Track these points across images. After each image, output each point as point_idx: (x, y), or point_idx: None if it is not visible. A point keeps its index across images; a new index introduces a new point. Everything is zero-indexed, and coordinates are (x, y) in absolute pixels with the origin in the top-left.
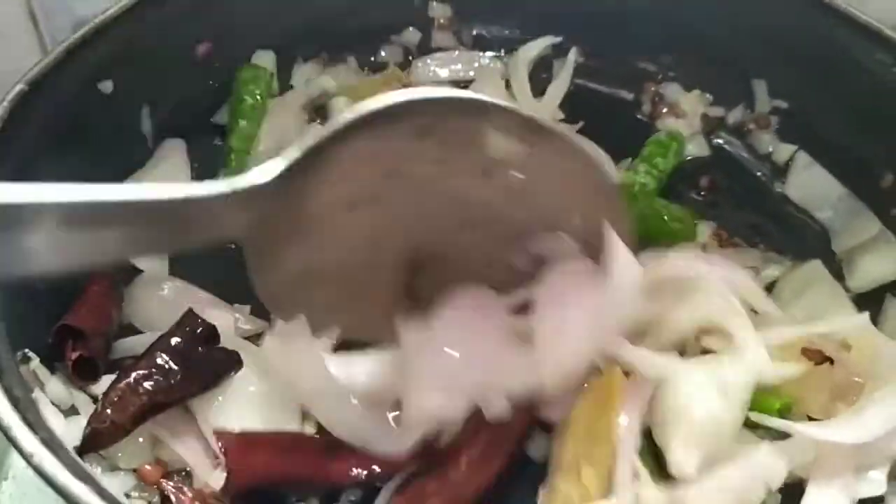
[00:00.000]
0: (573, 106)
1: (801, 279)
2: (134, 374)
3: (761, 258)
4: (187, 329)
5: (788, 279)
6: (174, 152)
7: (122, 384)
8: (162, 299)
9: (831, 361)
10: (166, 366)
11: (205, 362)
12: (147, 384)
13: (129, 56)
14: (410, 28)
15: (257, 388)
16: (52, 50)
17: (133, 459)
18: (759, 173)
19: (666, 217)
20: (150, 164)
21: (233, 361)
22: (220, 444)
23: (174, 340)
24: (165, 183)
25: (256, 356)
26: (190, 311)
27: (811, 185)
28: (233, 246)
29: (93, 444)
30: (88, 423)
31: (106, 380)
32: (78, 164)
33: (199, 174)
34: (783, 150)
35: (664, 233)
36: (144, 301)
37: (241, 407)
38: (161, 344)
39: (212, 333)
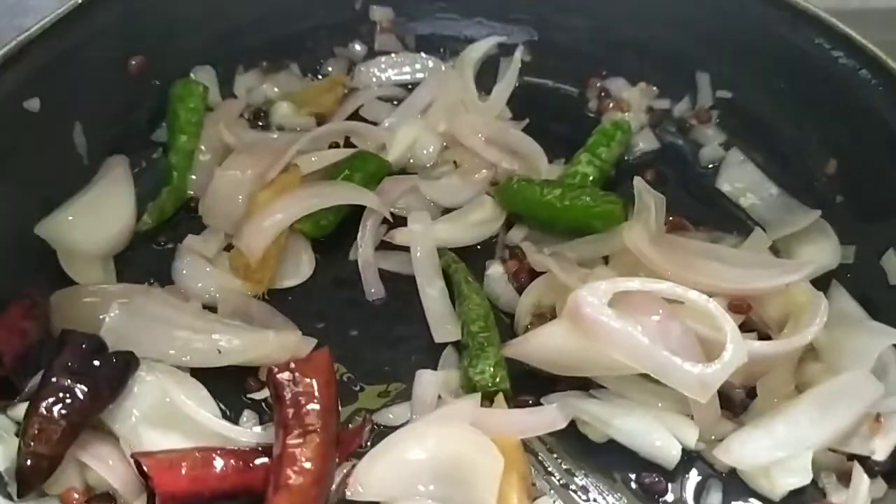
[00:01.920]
0: (520, 104)
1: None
2: (44, 404)
3: (709, 238)
4: (73, 347)
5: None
6: (117, 169)
7: (36, 417)
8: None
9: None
10: (71, 386)
11: (105, 370)
12: (59, 409)
13: (55, 72)
14: (356, 42)
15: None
16: None
17: (59, 485)
18: (701, 166)
19: (599, 206)
20: (94, 180)
21: (131, 360)
22: (143, 466)
23: (67, 362)
24: None
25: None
26: (66, 331)
27: (742, 179)
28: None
29: (30, 483)
30: (18, 465)
31: (24, 406)
32: (7, 187)
33: (144, 191)
34: (721, 145)
35: (590, 220)
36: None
37: (158, 418)
38: (56, 369)
39: (98, 344)
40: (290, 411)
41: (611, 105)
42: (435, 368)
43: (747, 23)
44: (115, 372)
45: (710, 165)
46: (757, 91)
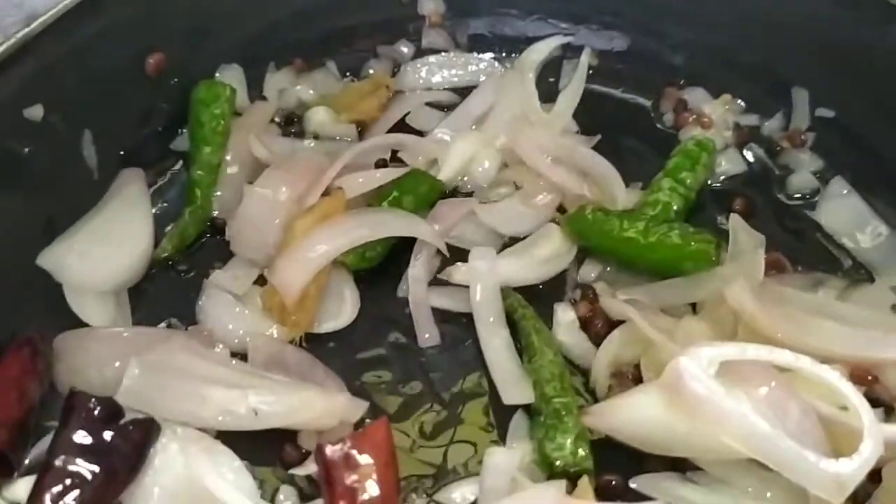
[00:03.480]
0: (585, 115)
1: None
2: (48, 496)
3: (811, 280)
4: (83, 415)
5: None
6: (132, 185)
7: None
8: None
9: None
10: (80, 470)
11: (121, 444)
12: (68, 500)
13: (61, 74)
14: (402, 40)
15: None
16: None
17: None
18: (790, 196)
19: (691, 246)
20: (106, 199)
21: (151, 429)
22: None
23: (76, 436)
24: None
25: None
26: (73, 392)
27: (845, 215)
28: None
29: None
30: None
31: (24, 484)
32: (5, 208)
33: (162, 210)
34: (815, 173)
35: (680, 261)
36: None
37: (184, 498)
38: (62, 445)
39: (113, 409)
40: (344, 503)
41: (689, 119)
42: (502, 433)
43: (855, 31)
44: (133, 445)
45: (799, 195)
46: (865, 111)
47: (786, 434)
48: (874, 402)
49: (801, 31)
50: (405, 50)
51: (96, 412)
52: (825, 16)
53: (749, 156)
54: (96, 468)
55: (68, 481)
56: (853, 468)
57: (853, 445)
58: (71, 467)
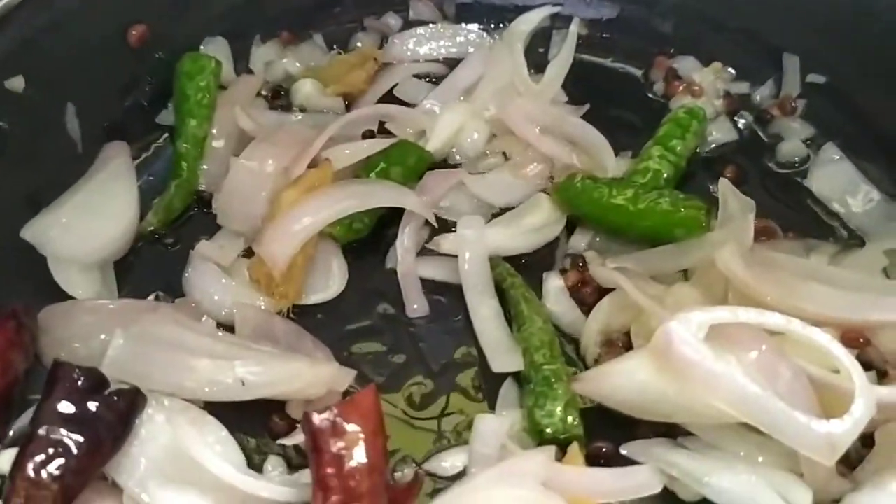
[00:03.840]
0: (575, 85)
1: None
2: (31, 464)
3: (803, 246)
4: (67, 385)
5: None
6: (117, 158)
7: (22, 481)
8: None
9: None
10: (64, 440)
11: (105, 414)
12: (50, 469)
13: (43, 45)
14: (389, 12)
15: (169, 437)
16: None
17: None
18: (780, 163)
19: (681, 212)
20: (90, 172)
21: (136, 399)
22: None
23: (60, 405)
24: None
25: None
26: (57, 362)
27: (836, 181)
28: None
29: None
30: None
31: (8, 455)
32: None
33: (147, 184)
34: (805, 141)
35: (670, 228)
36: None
37: (171, 469)
38: (46, 415)
39: (98, 379)
40: (332, 470)
41: (680, 88)
42: (492, 402)
43: None
44: (118, 415)
45: (790, 163)
46: (856, 76)
47: (777, 397)
48: (866, 364)
49: None
50: (392, 22)
51: (80, 382)
52: None
53: (740, 124)
54: (80, 438)
55: (52, 450)
56: (845, 428)
57: (845, 408)
58: (54, 436)
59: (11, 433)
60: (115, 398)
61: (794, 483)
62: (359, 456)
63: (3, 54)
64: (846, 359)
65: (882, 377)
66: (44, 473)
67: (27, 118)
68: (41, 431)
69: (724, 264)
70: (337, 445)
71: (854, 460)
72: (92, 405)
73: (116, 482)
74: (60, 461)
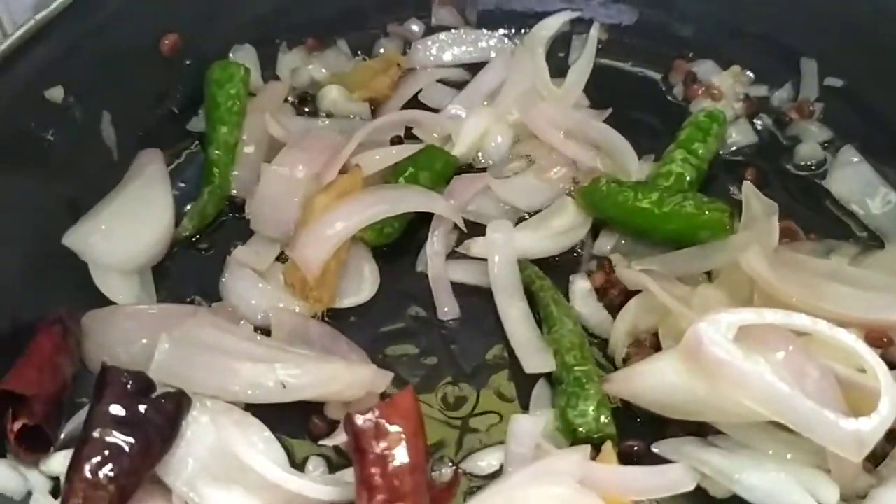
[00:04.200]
0: (596, 89)
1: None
2: (87, 466)
3: (824, 247)
4: (117, 389)
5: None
6: (152, 165)
7: (80, 482)
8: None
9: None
10: (117, 441)
11: (154, 417)
12: (106, 471)
13: (80, 56)
14: (412, 18)
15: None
16: None
17: None
18: (798, 165)
19: (705, 215)
20: (126, 178)
21: (182, 401)
22: None
23: (111, 408)
24: None
25: None
26: (106, 366)
27: (855, 183)
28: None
29: None
30: None
31: (61, 458)
32: (29, 190)
33: (181, 190)
34: (823, 143)
35: (695, 230)
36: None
37: (217, 468)
38: (98, 418)
39: (145, 383)
40: (376, 470)
41: (699, 91)
42: (525, 402)
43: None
44: (167, 418)
45: (808, 165)
46: (874, 79)
47: (805, 395)
48: (890, 364)
49: (808, 1)
50: (415, 28)
51: (129, 386)
52: None
53: (758, 126)
54: (132, 440)
55: (106, 452)
56: (872, 426)
57: (871, 406)
58: (108, 439)
59: (62, 436)
60: (163, 400)
61: (822, 479)
62: (401, 456)
63: (43, 64)
64: (871, 358)
65: None
66: (101, 475)
67: (66, 127)
68: (95, 434)
69: (749, 266)
70: (380, 446)
71: (879, 456)
72: (141, 408)
73: (165, 482)
74: (115, 463)
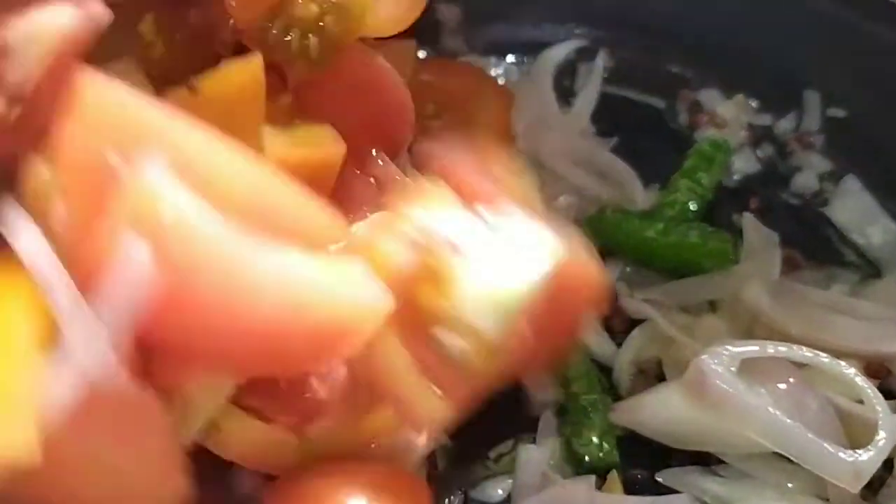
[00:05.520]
0: (600, 118)
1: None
2: None
3: (824, 275)
4: None
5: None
6: None
7: None
8: None
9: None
10: None
11: None
12: None
13: None
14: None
15: None
16: None
17: None
18: (804, 193)
19: (708, 245)
20: None
21: None
22: None
23: None
24: None
25: None
26: None
27: (856, 212)
28: None
29: None
30: None
31: None
32: None
33: None
34: (821, 175)
35: (698, 260)
36: None
37: None
38: None
39: None
40: None
41: (704, 119)
42: (531, 431)
43: (867, 32)
44: None
45: (809, 194)
46: (876, 111)
47: (805, 427)
48: (888, 393)
49: (812, 33)
50: (422, 55)
51: None
52: (837, 17)
53: (760, 154)
54: None
55: None
56: (869, 458)
57: (869, 436)
58: None
59: None
60: None
61: None
62: None
63: None
64: (870, 391)
65: None
66: None
67: None
68: None
69: (751, 299)
70: None
71: (876, 484)
72: None
73: None
74: None
